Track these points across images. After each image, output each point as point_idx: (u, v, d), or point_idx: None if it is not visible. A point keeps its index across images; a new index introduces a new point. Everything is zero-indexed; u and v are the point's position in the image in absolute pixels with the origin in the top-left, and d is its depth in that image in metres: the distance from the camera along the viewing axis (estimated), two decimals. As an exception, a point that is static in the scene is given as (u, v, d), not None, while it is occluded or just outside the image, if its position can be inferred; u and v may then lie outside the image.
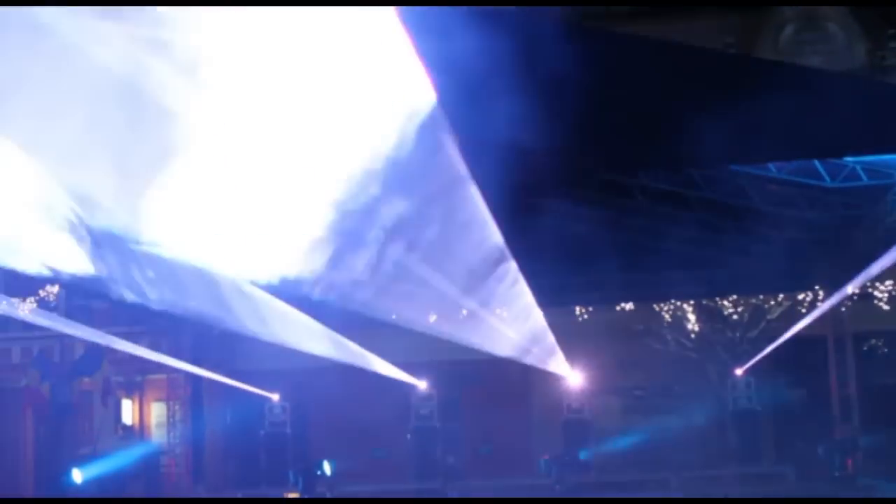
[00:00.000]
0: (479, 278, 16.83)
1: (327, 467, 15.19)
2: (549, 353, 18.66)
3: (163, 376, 22.16)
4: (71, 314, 22.22)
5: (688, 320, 22.19)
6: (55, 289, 22.18)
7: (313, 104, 7.36)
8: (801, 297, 19.42)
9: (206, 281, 11.73)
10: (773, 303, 21.74)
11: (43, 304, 22.39)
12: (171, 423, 22.21)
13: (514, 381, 23.40)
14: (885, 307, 19.60)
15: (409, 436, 18.59)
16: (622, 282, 17.88)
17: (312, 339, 16.39)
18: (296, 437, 18.96)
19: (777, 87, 10.69)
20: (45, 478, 20.17)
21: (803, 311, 21.00)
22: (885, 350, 23.01)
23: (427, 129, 8.05)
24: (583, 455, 17.66)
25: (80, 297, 21.85)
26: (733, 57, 18.14)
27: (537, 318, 16.96)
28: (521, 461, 21.80)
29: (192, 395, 19.56)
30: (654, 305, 21.97)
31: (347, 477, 16.97)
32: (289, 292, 12.94)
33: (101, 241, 9.85)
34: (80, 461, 16.65)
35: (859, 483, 15.13)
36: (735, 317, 22.07)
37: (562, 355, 18.13)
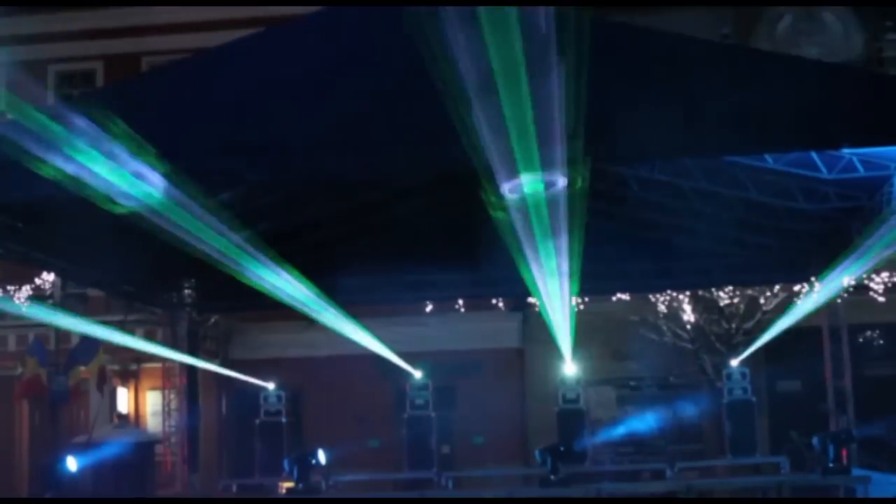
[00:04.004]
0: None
1: (322, 456, 15.14)
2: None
3: (158, 365, 22.15)
4: (66, 303, 22.19)
5: (683, 311, 22.20)
6: (51, 276, 22.10)
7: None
8: (796, 288, 19.44)
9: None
10: (768, 294, 21.75)
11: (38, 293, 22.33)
12: (166, 411, 22.20)
13: (509, 371, 23.48)
14: (881, 299, 19.62)
15: (404, 425, 18.60)
16: (618, 272, 17.88)
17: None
18: (291, 427, 18.97)
19: (774, 78, 10.68)
20: (40, 466, 20.14)
21: (799, 302, 21.01)
22: (881, 342, 23.07)
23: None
24: (578, 445, 17.62)
25: (74, 285, 21.84)
26: (730, 47, 18.15)
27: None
28: (517, 451, 21.85)
29: (187, 383, 19.53)
30: (650, 296, 21.98)
31: (342, 466, 16.96)
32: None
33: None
34: (76, 449, 16.59)
35: (854, 474, 15.12)
36: (731, 308, 22.09)
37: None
